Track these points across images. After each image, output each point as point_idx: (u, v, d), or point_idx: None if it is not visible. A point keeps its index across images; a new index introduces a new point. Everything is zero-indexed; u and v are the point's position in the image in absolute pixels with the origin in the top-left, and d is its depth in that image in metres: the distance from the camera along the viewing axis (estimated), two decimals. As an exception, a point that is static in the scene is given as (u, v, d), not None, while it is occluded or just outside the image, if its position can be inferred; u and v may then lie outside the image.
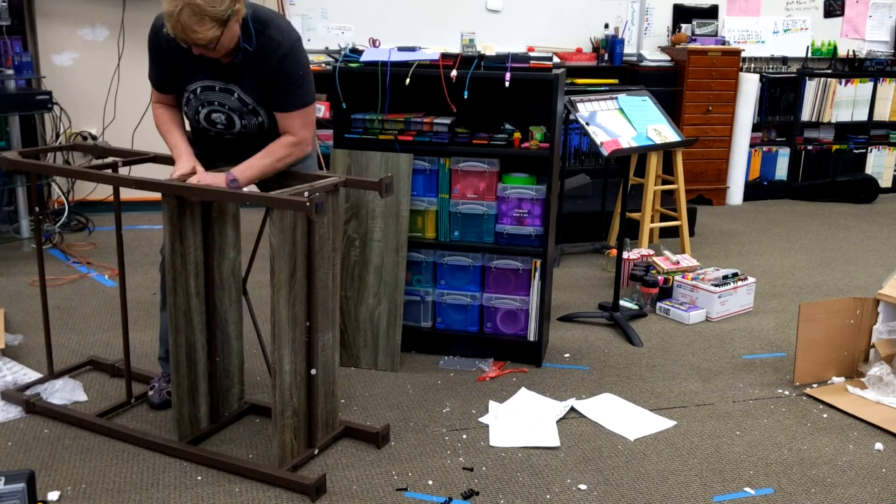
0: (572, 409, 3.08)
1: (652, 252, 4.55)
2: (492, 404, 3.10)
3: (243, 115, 2.68)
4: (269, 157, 2.64)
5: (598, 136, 3.76)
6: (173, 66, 2.64)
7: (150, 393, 3.01)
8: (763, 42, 6.68)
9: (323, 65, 5.58)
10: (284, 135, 2.66)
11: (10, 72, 4.66)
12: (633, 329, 3.81)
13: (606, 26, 6.22)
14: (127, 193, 5.61)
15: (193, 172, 2.61)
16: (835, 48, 6.81)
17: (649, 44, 6.43)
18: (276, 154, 2.64)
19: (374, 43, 3.62)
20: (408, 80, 3.28)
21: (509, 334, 3.48)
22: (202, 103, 2.68)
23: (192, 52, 2.51)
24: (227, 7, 2.38)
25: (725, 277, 4.09)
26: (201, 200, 2.61)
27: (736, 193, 6.52)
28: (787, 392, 3.28)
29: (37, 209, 3.00)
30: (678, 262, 4.36)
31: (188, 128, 2.81)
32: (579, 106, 3.85)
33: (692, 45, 6.18)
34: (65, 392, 3.06)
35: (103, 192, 5.56)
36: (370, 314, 3.37)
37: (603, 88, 5.35)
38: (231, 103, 2.65)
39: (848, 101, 6.68)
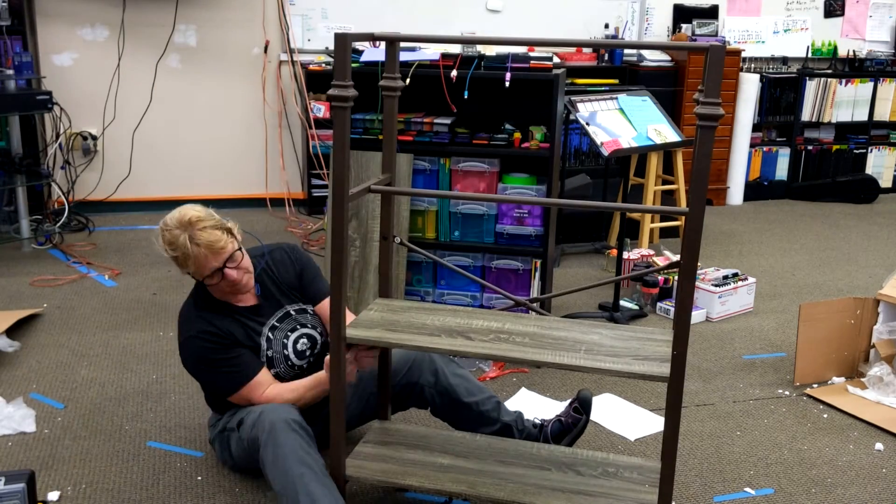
0: (572, 409, 3.08)
1: (652, 252, 4.55)
2: (492, 404, 3.09)
3: (315, 326, 2.58)
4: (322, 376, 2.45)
5: (599, 136, 3.76)
6: (241, 341, 2.48)
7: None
8: (763, 42, 6.68)
9: (323, 65, 5.58)
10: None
11: (10, 72, 4.66)
12: (634, 329, 3.81)
13: (606, 26, 6.22)
14: (127, 193, 5.61)
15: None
16: (835, 48, 6.81)
17: (649, 44, 6.44)
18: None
19: (374, 43, 3.62)
20: (408, 80, 3.27)
21: (509, 334, 3.47)
22: (285, 334, 2.53)
23: (236, 317, 2.46)
24: (216, 218, 2.40)
25: (726, 277, 4.09)
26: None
27: (736, 193, 6.52)
28: (787, 392, 3.28)
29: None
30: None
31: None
32: (579, 106, 3.85)
33: (692, 45, 6.17)
34: (13, 421, 2.79)
35: (103, 192, 5.56)
36: (370, 314, 3.36)
37: (603, 88, 5.34)
38: (309, 323, 2.58)
39: (848, 102, 6.68)
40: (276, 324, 2.53)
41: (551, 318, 2.31)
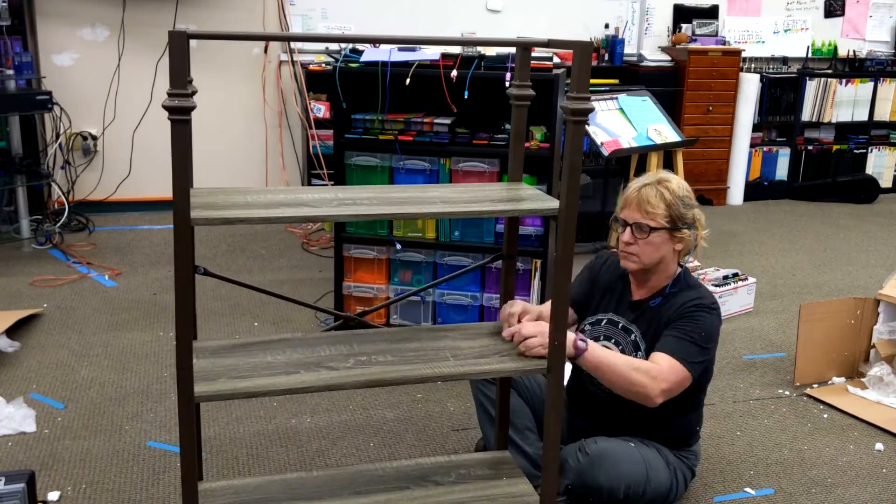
0: (572, 409, 3.08)
1: (652, 252, 4.54)
2: (492, 404, 3.09)
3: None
4: (629, 362, 2.19)
5: (599, 136, 3.76)
6: (584, 295, 2.52)
7: None
8: (763, 42, 6.68)
9: (323, 65, 5.59)
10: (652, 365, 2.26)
11: (10, 72, 4.66)
12: (634, 329, 3.80)
13: (607, 26, 6.22)
14: (127, 193, 5.61)
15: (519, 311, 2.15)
16: (835, 48, 6.81)
17: (650, 44, 6.43)
18: (635, 365, 2.19)
19: (374, 43, 3.62)
20: (408, 80, 3.27)
21: (509, 334, 3.47)
22: (597, 337, 2.42)
23: (609, 284, 2.47)
24: (686, 217, 2.35)
25: (726, 277, 4.09)
26: None
27: (736, 193, 6.52)
28: (787, 392, 3.28)
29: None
30: (678, 263, 4.36)
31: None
32: (579, 106, 3.85)
33: (692, 45, 6.17)
34: (13, 421, 2.79)
35: (103, 191, 5.56)
36: (370, 314, 3.36)
37: (603, 88, 5.34)
38: (625, 345, 2.39)
39: (848, 102, 6.68)
40: (606, 318, 2.45)
41: (388, 330, 2.10)
